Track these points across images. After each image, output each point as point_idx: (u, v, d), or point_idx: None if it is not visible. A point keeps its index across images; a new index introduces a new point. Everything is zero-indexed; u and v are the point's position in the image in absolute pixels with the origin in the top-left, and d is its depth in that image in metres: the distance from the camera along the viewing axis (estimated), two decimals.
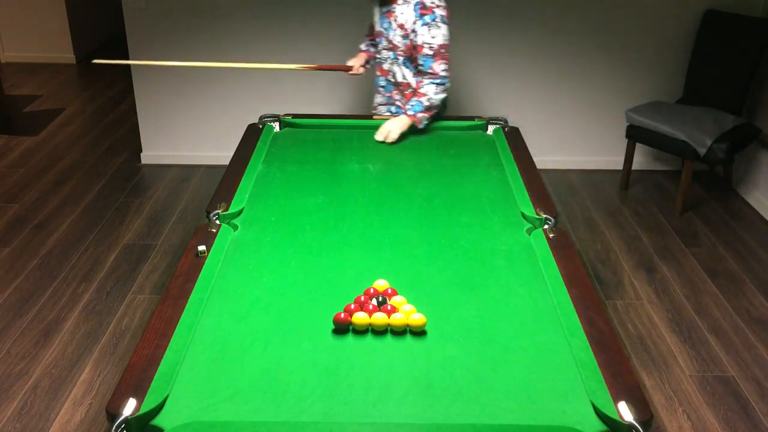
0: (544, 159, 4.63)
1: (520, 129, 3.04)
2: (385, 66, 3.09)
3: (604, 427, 1.42)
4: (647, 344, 3.02)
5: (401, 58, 3.00)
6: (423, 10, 2.86)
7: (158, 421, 1.42)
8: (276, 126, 3.05)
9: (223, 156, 4.43)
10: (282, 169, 2.64)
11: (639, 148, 4.55)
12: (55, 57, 7.08)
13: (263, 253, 2.06)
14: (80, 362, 2.86)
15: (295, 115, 3.11)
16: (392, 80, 3.10)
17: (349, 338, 1.69)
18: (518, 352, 1.65)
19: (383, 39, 3.02)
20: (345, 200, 2.39)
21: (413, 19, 2.88)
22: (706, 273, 3.55)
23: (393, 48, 2.99)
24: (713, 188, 4.48)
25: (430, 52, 2.89)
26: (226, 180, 2.50)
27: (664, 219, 4.10)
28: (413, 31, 2.89)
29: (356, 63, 3.24)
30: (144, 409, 1.43)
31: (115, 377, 2.76)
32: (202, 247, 2.01)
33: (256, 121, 3.05)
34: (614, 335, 1.69)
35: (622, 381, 1.52)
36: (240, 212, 2.28)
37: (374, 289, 1.82)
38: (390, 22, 2.95)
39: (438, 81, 2.91)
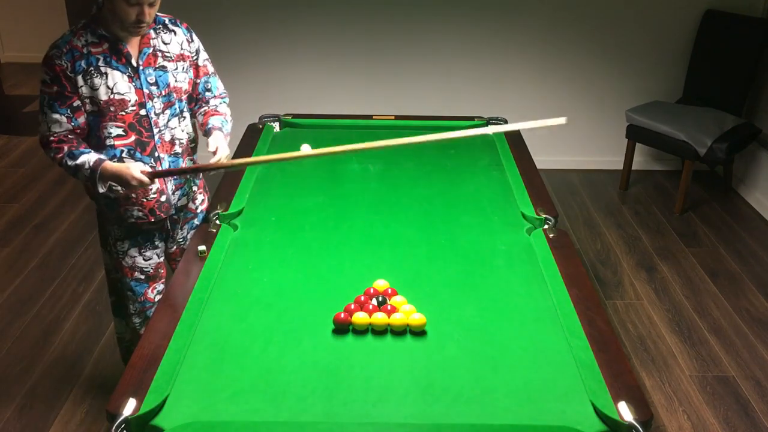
0: (544, 159, 4.61)
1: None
2: (167, 136, 2.16)
3: (604, 427, 1.42)
4: (647, 344, 3.02)
5: (184, 103, 2.21)
6: (183, 23, 2.21)
7: (158, 421, 1.42)
8: (276, 126, 3.05)
9: None
10: (282, 169, 2.64)
11: (639, 148, 4.55)
12: None
13: (263, 253, 2.06)
14: (80, 362, 2.85)
15: (295, 115, 3.11)
16: (179, 150, 2.20)
17: (349, 338, 1.69)
18: (518, 352, 1.65)
19: (152, 101, 2.09)
20: (345, 200, 2.39)
21: (187, 37, 2.18)
22: (706, 273, 3.55)
23: (177, 97, 2.16)
24: (713, 188, 4.47)
25: (213, 69, 2.31)
26: (226, 180, 2.50)
27: (664, 219, 4.10)
28: (194, 52, 2.22)
29: (136, 168, 2.03)
30: (144, 409, 1.43)
31: (115, 377, 2.76)
32: (202, 247, 2.02)
33: (256, 121, 3.05)
34: (614, 335, 1.69)
35: (622, 381, 1.52)
36: (240, 212, 2.28)
37: (374, 289, 1.82)
38: (162, 66, 2.10)
39: (228, 100, 2.36)
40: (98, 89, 2.00)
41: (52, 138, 2.03)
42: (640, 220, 4.07)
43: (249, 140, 2.85)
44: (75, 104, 2.02)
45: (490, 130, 2.10)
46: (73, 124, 2.03)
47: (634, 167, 4.62)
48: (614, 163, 4.70)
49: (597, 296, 1.87)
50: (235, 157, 2.71)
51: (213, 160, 2.10)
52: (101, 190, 2.07)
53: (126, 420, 1.40)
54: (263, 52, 4.42)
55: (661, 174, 4.71)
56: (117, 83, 2.02)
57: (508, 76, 4.52)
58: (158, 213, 2.23)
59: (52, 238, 3.79)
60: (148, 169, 2.07)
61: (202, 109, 2.29)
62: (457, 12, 4.33)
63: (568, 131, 4.68)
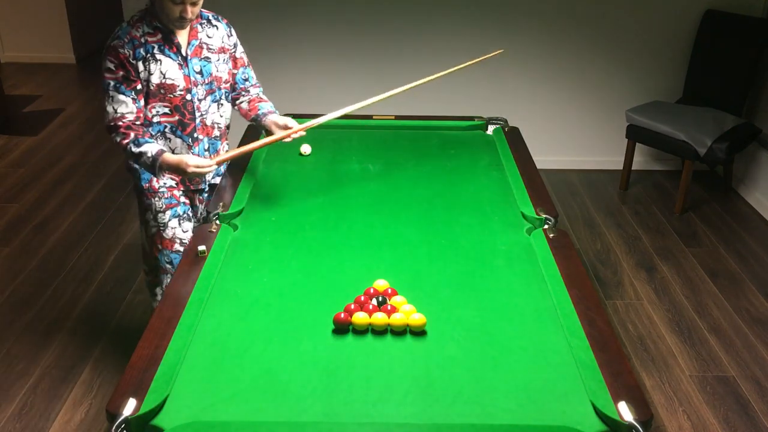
0: (544, 159, 4.61)
1: (520, 129, 3.04)
2: (209, 120, 2.43)
3: (604, 427, 1.42)
4: (647, 344, 3.02)
5: (224, 91, 2.47)
6: (223, 19, 2.47)
7: (158, 421, 1.42)
8: None
9: None
10: (282, 169, 2.64)
11: (639, 148, 4.55)
12: (55, 57, 7.07)
13: (263, 253, 2.06)
14: (80, 362, 2.85)
15: (295, 115, 3.10)
16: (218, 133, 2.50)
17: (349, 338, 1.69)
18: (518, 352, 1.65)
19: (197, 88, 2.35)
20: (345, 200, 2.39)
21: (227, 32, 2.44)
22: (706, 273, 3.55)
23: (217, 86, 2.42)
24: (713, 188, 4.48)
25: (248, 61, 2.56)
26: (226, 180, 2.49)
27: (664, 219, 4.10)
28: (233, 45, 2.48)
29: (192, 158, 2.23)
30: (144, 409, 1.42)
31: (115, 377, 2.76)
32: (202, 247, 2.01)
33: None
34: (614, 335, 1.69)
35: (622, 381, 1.52)
36: (240, 212, 2.28)
37: (374, 289, 1.82)
38: (206, 57, 2.36)
39: (262, 89, 2.62)
40: (153, 74, 2.26)
41: (120, 123, 2.25)
42: (640, 220, 4.08)
43: (249, 141, 2.85)
44: (138, 87, 2.27)
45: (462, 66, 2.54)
46: (137, 105, 2.27)
47: (634, 167, 4.62)
48: (614, 163, 4.70)
49: (597, 296, 1.87)
50: (234, 157, 2.70)
51: (282, 134, 2.34)
52: (161, 177, 2.34)
53: (126, 420, 1.40)
54: (263, 53, 4.42)
55: (661, 174, 4.72)
56: (169, 69, 2.28)
57: (508, 77, 4.52)
58: (188, 183, 2.49)
59: (52, 238, 3.79)
60: (203, 161, 2.23)
61: (245, 97, 2.54)
62: (457, 12, 4.34)
63: (569, 131, 4.68)
